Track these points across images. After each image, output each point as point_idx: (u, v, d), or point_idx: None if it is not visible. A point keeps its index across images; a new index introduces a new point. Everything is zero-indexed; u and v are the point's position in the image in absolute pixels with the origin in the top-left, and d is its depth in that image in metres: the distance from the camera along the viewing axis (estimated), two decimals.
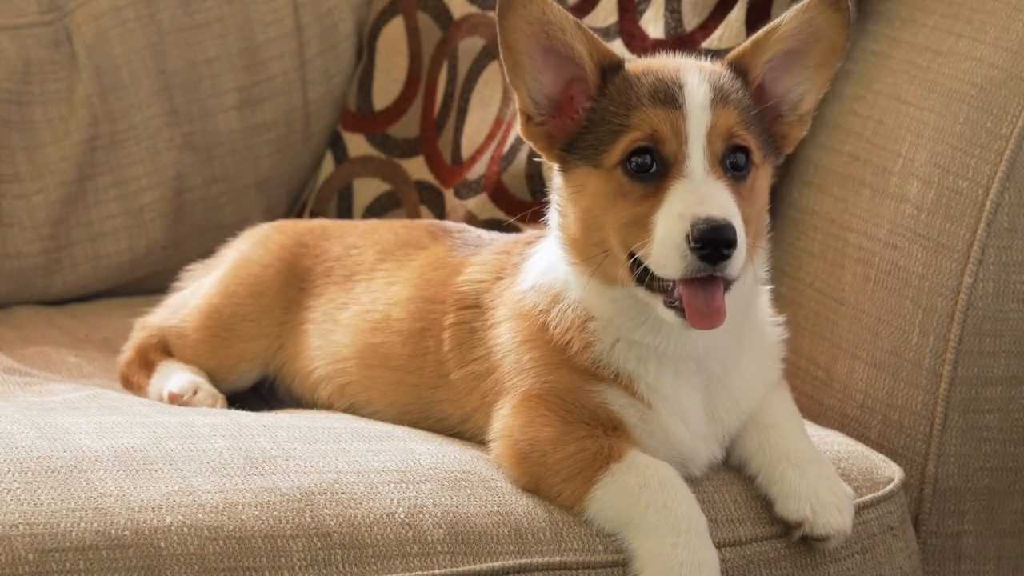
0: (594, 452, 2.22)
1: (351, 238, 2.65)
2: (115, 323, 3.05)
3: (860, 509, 2.36)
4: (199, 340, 2.70)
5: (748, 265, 2.24)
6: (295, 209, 3.34)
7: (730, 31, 2.79)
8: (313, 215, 3.25)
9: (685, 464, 2.30)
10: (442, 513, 2.18)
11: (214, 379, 2.67)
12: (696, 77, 2.22)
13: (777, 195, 2.84)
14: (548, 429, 2.25)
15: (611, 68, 2.27)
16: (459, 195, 3.05)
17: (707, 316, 2.17)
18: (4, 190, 3.15)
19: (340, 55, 3.33)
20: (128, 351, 2.76)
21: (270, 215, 3.25)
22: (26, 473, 2.10)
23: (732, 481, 2.34)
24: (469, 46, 3.13)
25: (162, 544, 2.06)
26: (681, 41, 2.82)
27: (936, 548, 2.58)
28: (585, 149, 2.26)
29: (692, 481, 2.27)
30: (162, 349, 2.73)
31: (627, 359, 2.28)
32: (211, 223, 3.26)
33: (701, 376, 2.31)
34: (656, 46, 2.83)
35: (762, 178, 2.27)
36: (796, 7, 2.26)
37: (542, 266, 2.35)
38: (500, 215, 2.95)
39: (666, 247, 2.16)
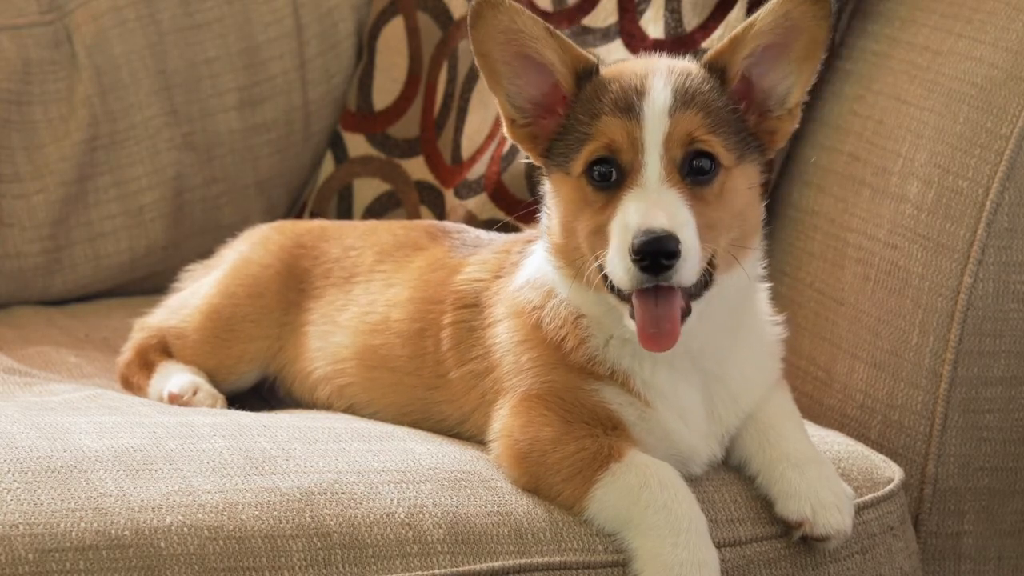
0: (594, 452, 2.22)
1: (350, 239, 2.65)
2: (115, 323, 3.05)
3: (860, 509, 2.36)
4: (199, 341, 2.69)
5: (737, 265, 2.24)
6: (295, 209, 3.34)
7: (730, 31, 2.78)
8: (313, 215, 3.25)
9: (685, 462, 2.29)
10: (442, 513, 2.18)
11: (214, 380, 2.67)
12: (660, 82, 2.21)
13: (777, 195, 2.84)
14: (548, 429, 2.25)
15: (585, 73, 2.27)
16: (459, 195, 3.04)
17: (655, 338, 2.16)
18: (4, 190, 3.15)
19: (340, 55, 3.32)
20: (128, 352, 2.76)
21: (270, 215, 3.25)
22: (26, 473, 2.10)
23: (732, 481, 2.34)
24: (469, 46, 3.13)
25: (162, 544, 2.06)
26: (681, 41, 2.81)
27: (936, 548, 2.58)
28: (559, 156, 2.27)
29: (692, 481, 2.27)
30: (162, 350, 2.73)
31: (621, 355, 2.28)
32: (211, 223, 3.26)
33: (698, 373, 2.30)
34: (656, 46, 2.82)
35: (738, 178, 2.24)
36: (773, 1, 2.25)
37: (536, 262, 2.35)
38: (500, 215, 2.95)
39: (615, 258, 2.16)
